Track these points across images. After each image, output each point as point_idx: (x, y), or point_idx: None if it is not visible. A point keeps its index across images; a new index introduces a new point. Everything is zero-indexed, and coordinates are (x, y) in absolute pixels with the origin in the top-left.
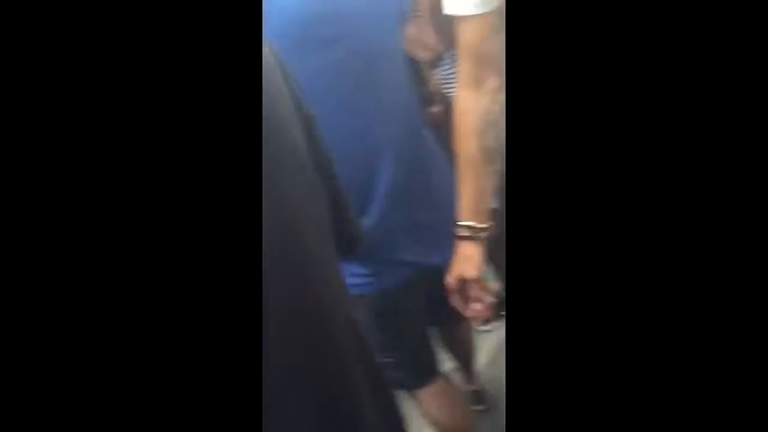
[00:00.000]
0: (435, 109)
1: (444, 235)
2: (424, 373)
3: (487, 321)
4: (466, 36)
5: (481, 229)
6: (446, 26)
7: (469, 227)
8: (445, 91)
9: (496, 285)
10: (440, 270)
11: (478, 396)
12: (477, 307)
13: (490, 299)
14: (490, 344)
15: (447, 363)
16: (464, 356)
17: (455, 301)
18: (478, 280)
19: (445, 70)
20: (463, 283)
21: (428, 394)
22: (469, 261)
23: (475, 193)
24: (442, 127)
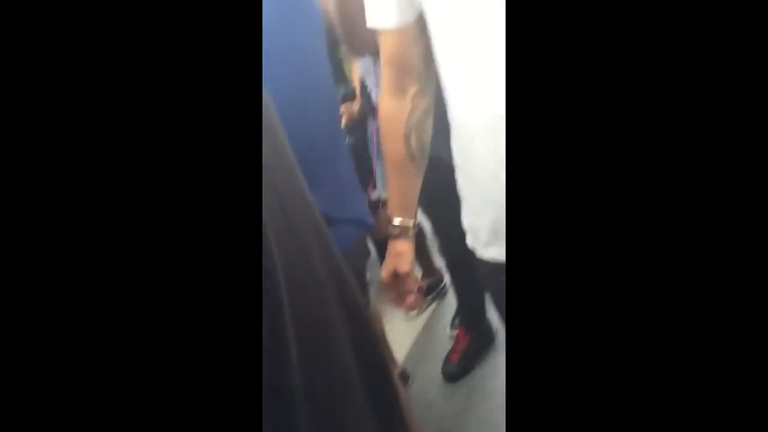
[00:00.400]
0: (353, 105)
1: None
2: None
3: (414, 309)
4: (387, 47)
5: (409, 226)
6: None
7: (399, 225)
8: (367, 85)
9: (419, 275)
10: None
11: (403, 374)
12: (410, 299)
13: (418, 290)
14: (413, 328)
15: None
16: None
17: (390, 295)
18: (410, 274)
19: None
20: (397, 277)
21: None
22: (401, 257)
23: (403, 191)
24: (359, 122)
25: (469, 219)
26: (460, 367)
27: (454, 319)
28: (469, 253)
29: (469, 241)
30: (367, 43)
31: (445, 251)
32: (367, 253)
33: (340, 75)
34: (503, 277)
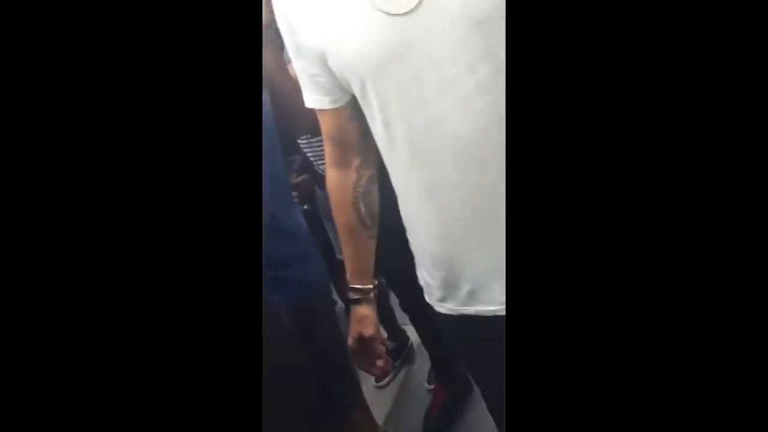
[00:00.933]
0: (301, 178)
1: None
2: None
3: (386, 374)
4: (325, 125)
5: (369, 290)
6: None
7: (358, 290)
8: (312, 160)
9: (385, 335)
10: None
11: None
12: (380, 363)
13: (386, 352)
14: (391, 389)
15: None
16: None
17: (359, 362)
18: (376, 337)
19: (307, 140)
20: (363, 342)
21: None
22: (364, 321)
23: (358, 257)
24: (309, 193)
25: (422, 276)
26: (441, 422)
27: (430, 373)
28: (430, 307)
29: (426, 297)
30: (305, 122)
31: (406, 307)
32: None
33: (296, 148)
34: (464, 328)
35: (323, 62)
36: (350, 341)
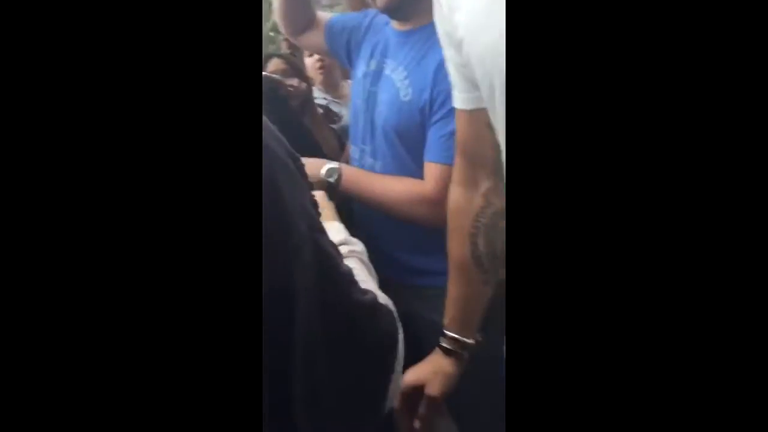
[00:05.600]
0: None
1: None
2: None
3: None
4: (461, 133)
5: (467, 345)
6: None
7: (454, 340)
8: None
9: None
10: None
11: None
12: (417, 425)
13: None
14: None
15: None
16: None
17: (400, 410)
18: (437, 401)
19: None
20: (419, 395)
21: None
22: (439, 377)
23: (464, 301)
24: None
25: None
26: None
27: None
28: None
29: None
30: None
31: None
32: None
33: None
34: None
35: (459, 50)
36: (405, 381)
